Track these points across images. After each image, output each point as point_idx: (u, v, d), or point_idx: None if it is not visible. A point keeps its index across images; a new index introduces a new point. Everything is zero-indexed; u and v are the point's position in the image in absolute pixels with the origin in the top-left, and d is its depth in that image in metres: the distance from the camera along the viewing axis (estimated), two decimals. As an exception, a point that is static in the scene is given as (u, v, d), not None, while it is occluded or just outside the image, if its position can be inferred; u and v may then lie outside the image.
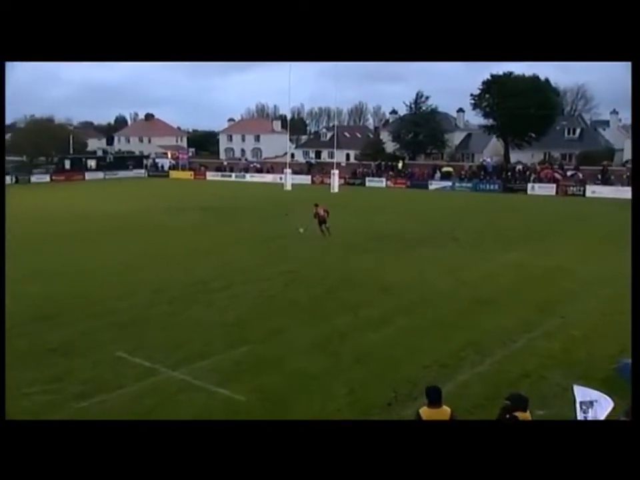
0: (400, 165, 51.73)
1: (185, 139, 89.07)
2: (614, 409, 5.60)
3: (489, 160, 50.31)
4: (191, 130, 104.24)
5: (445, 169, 49.05)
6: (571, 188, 40.18)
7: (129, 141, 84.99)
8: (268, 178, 54.78)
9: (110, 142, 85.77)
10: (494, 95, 49.78)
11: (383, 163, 53.27)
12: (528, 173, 44.87)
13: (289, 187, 46.21)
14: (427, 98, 57.67)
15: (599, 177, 41.24)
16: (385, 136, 62.55)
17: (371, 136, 75.82)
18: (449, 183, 46.89)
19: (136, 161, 65.63)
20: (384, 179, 49.82)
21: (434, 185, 47.22)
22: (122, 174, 60.21)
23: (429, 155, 61.28)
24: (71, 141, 62.29)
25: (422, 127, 56.11)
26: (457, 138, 62.47)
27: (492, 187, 44.37)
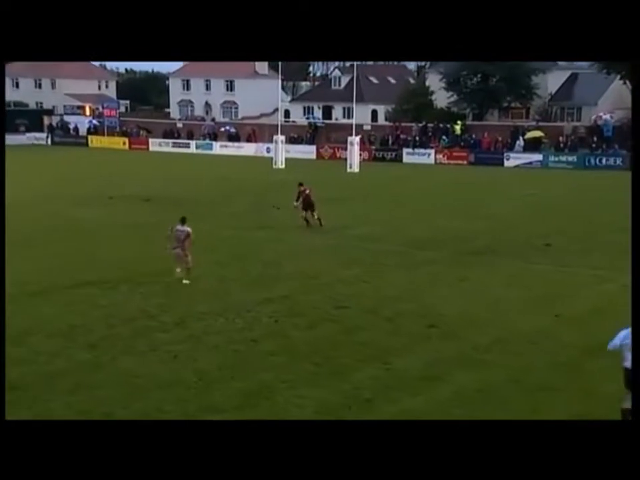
0: (458, 127, 52.05)
1: (113, 85, 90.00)
2: None
3: (607, 117, 50.07)
4: (123, 70, 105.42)
5: (531, 134, 49.26)
6: None
7: (17, 86, 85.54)
8: (248, 149, 55.40)
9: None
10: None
11: (430, 125, 53.64)
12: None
13: (281, 164, 46.73)
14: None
15: None
16: (434, 81, 62.91)
17: (412, 81, 76.37)
18: (539, 157, 47.11)
19: (31, 118, 66.19)
20: (432, 151, 50.14)
21: (513, 160, 47.45)
22: (7, 139, 60.94)
23: (505, 110, 61.52)
24: None
25: (495, 66, 56.32)
26: (552, 82, 62.46)
27: (612, 161, 44.26)
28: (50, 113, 69.18)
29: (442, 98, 59.91)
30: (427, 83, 64.87)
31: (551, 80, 62.12)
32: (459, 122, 53.02)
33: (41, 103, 76.68)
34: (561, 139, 47.95)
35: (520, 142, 48.56)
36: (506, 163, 47.29)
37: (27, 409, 9.87)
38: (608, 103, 57.24)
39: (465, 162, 48.46)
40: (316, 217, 23.31)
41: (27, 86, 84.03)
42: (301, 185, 23.92)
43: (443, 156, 49.51)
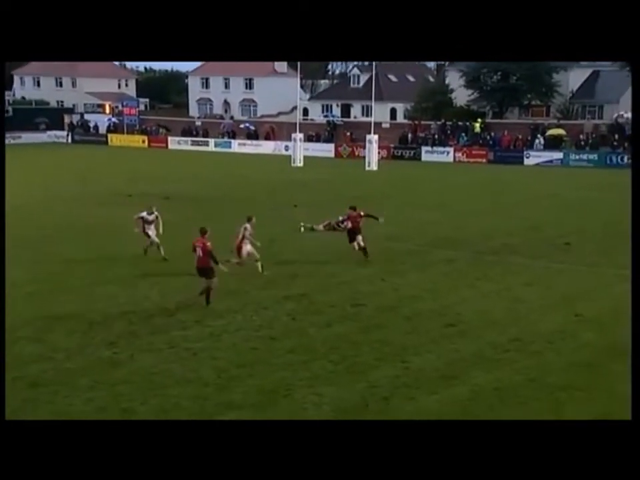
0: (477, 125, 51.85)
1: (132, 84, 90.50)
2: None
3: (629, 115, 49.63)
4: (142, 69, 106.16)
5: (552, 132, 48.98)
6: None
7: (38, 84, 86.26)
8: (267, 147, 55.52)
9: (7, 85, 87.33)
10: None
11: (449, 123, 53.47)
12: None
13: (299, 162, 46.77)
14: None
15: None
16: (453, 79, 62.71)
17: (432, 80, 76.16)
18: (559, 155, 46.83)
19: (52, 116, 66.68)
20: (451, 149, 49.96)
21: (533, 158, 47.20)
22: (28, 137, 61.46)
23: (526, 108, 61.14)
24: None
25: (516, 64, 56.14)
26: (573, 79, 62.10)
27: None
28: (70, 111, 69.71)
29: (462, 96, 59.68)
30: (447, 81, 64.69)
31: (572, 78, 61.71)
32: (478, 120, 52.79)
33: (62, 102, 77.29)
34: (581, 137, 47.62)
35: (540, 140, 48.26)
36: (526, 162, 47.02)
37: (46, 404, 10.00)
38: (630, 100, 56.60)
39: (484, 160, 48.23)
40: (361, 243, 18.80)
41: (48, 84, 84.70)
42: (353, 209, 19.20)
43: (462, 154, 49.30)
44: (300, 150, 46.01)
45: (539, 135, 48.64)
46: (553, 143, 47.95)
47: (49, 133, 63.79)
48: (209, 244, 14.51)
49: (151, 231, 18.78)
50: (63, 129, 65.03)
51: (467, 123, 52.49)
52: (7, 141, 59.75)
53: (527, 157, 47.23)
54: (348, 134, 54.48)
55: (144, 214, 18.97)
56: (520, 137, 49.04)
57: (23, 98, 79.37)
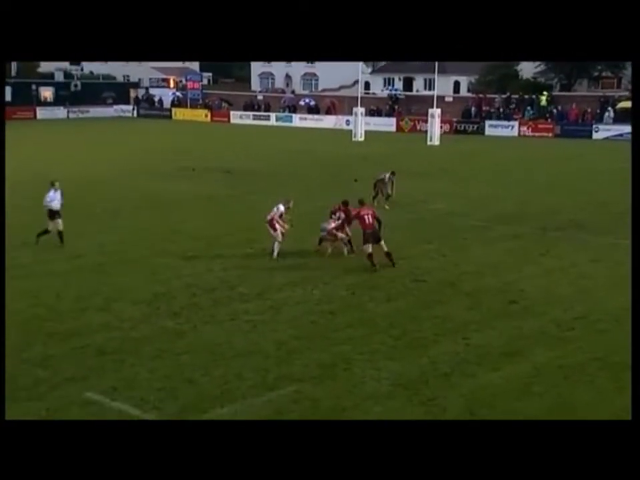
0: (544, 98, 50.60)
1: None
2: None
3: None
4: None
5: (623, 104, 47.42)
6: None
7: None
8: (328, 122, 55.42)
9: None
10: None
11: (514, 96, 52.31)
12: None
13: (360, 137, 46.55)
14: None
15: None
16: (520, 51, 61.28)
17: (497, 51, 74.61)
18: (630, 128, 45.22)
19: (118, 91, 68.08)
20: (516, 123, 48.92)
21: (602, 132, 45.86)
22: (95, 111, 63.24)
23: (595, 80, 59.40)
24: (11, 58, 65.37)
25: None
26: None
27: None
28: (136, 85, 70.89)
29: (528, 68, 58.35)
30: (513, 53, 63.35)
31: (645, 48, 59.66)
32: (544, 93, 51.57)
33: (128, 77, 78.59)
34: (654, 109, 46.03)
35: (610, 113, 46.86)
36: (595, 135, 45.78)
37: (113, 372, 10.28)
38: None
39: (551, 134, 47.14)
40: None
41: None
42: (345, 204, 17.23)
43: (527, 128, 48.29)
44: (361, 124, 45.75)
45: (609, 108, 47.23)
46: (623, 116, 46.44)
47: (115, 107, 65.23)
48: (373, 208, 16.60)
49: (279, 224, 16.20)
50: (128, 103, 66.33)
51: (533, 96, 51.30)
52: (75, 115, 61.70)
53: (596, 131, 45.97)
54: (396, 107, 53.92)
55: (281, 207, 16.37)
56: (589, 110, 47.72)
57: (91, 72, 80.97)
